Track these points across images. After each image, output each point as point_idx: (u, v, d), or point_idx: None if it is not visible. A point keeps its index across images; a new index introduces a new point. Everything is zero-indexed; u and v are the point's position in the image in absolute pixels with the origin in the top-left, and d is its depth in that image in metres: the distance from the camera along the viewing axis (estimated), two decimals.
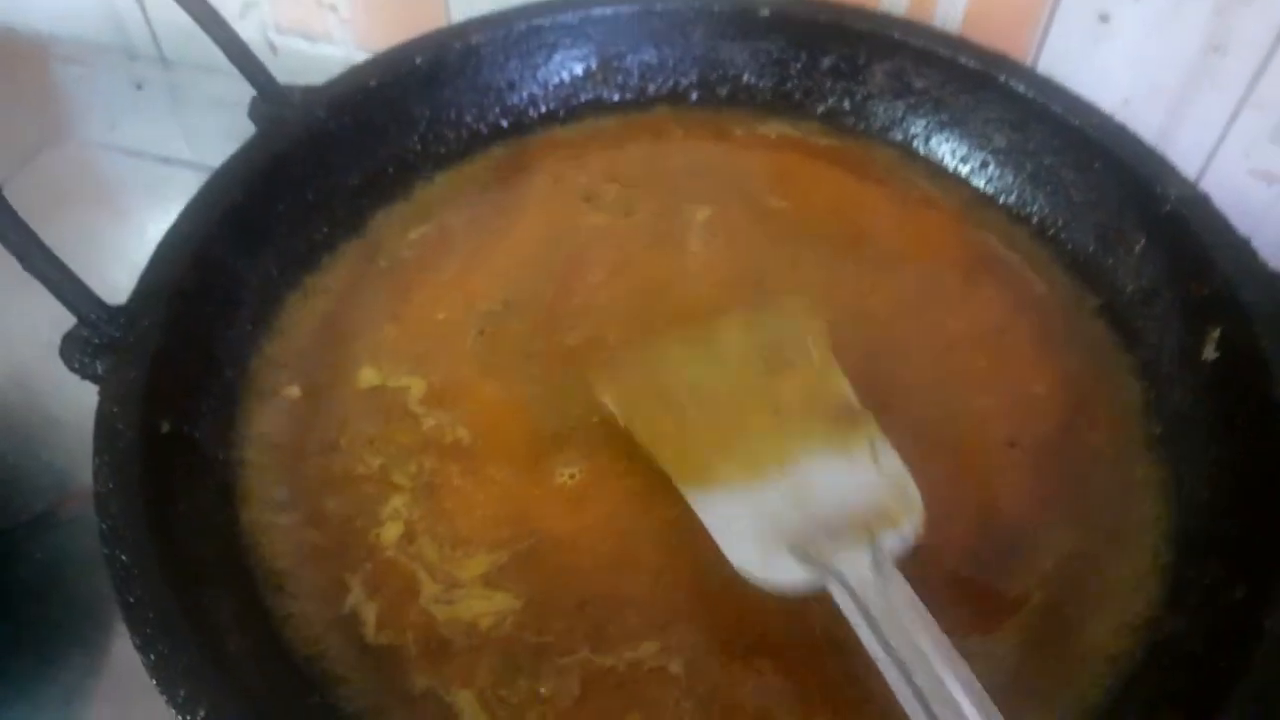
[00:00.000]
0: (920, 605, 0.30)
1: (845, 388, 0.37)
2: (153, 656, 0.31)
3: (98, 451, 0.35)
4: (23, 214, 0.36)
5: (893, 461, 0.34)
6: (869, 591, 0.29)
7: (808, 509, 0.32)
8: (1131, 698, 0.35)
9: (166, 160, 0.65)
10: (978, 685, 0.28)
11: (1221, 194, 0.44)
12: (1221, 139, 0.53)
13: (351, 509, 0.39)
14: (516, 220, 0.50)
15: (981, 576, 0.38)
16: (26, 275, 0.55)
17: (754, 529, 0.32)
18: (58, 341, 0.54)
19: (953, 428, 0.42)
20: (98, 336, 0.38)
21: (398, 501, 0.39)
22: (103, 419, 0.36)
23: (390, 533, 0.38)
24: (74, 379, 0.52)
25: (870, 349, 0.44)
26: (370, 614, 0.36)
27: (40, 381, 0.53)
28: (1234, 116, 0.52)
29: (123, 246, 0.59)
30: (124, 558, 0.33)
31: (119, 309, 0.39)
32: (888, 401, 0.41)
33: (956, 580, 0.37)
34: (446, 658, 0.35)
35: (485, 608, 0.36)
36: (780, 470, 0.33)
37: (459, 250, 0.48)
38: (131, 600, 0.32)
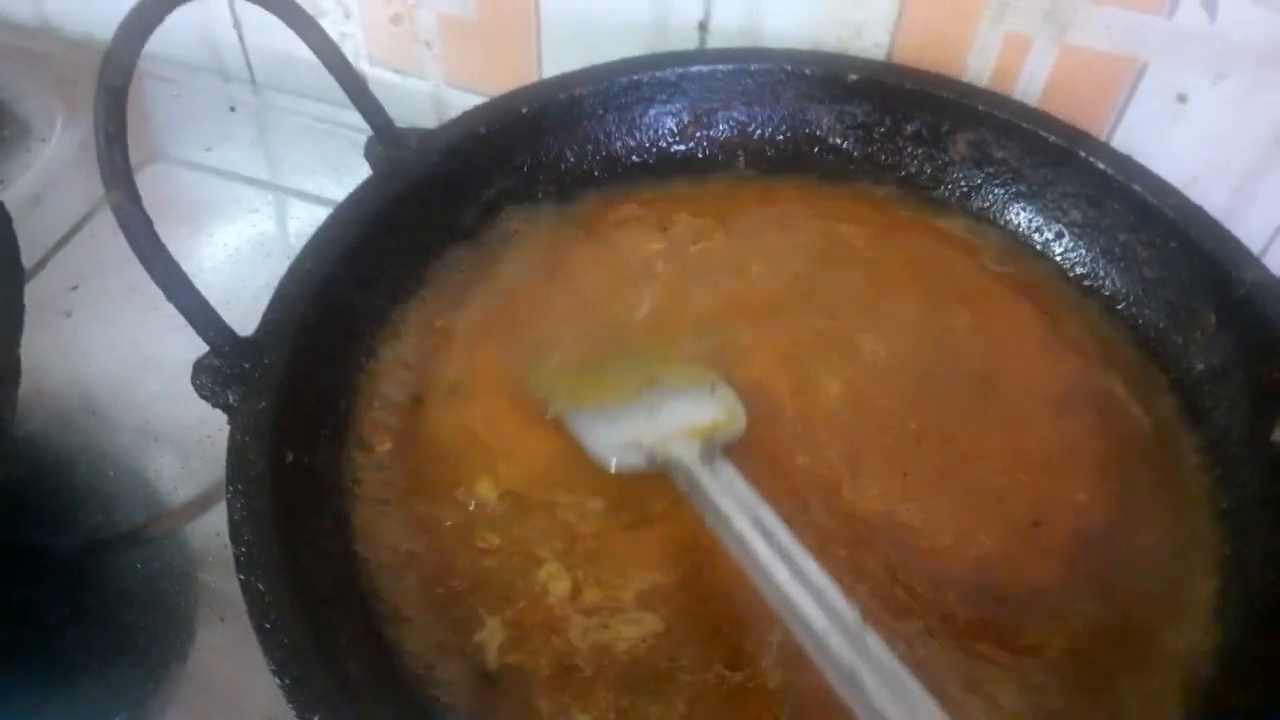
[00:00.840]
0: (742, 482, 0.38)
1: (705, 370, 0.45)
2: (288, 680, 0.32)
3: (231, 480, 0.37)
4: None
5: (726, 393, 0.44)
6: (697, 472, 0.39)
7: (654, 423, 0.42)
8: None
9: (252, 181, 0.67)
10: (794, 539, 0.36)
11: None
12: None
13: (484, 563, 0.40)
14: (571, 279, 0.51)
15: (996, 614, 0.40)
16: (134, 300, 0.57)
17: (609, 431, 0.42)
18: (158, 360, 0.56)
19: (997, 483, 0.43)
20: (229, 367, 0.39)
21: (551, 568, 0.40)
22: (235, 448, 0.38)
23: (557, 587, 0.39)
24: (168, 397, 0.54)
25: (918, 383, 0.47)
26: (494, 644, 0.37)
27: (139, 397, 0.54)
28: None
29: (211, 263, 0.61)
30: (260, 585, 0.34)
31: (248, 341, 0.40)
32: (927, 428, 0.45)
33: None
34: (570, 684, 0.37)
35: (631, 632, 0.38)
36: (636, 399, 0.43)
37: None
38: (267, 625, 0.33)
